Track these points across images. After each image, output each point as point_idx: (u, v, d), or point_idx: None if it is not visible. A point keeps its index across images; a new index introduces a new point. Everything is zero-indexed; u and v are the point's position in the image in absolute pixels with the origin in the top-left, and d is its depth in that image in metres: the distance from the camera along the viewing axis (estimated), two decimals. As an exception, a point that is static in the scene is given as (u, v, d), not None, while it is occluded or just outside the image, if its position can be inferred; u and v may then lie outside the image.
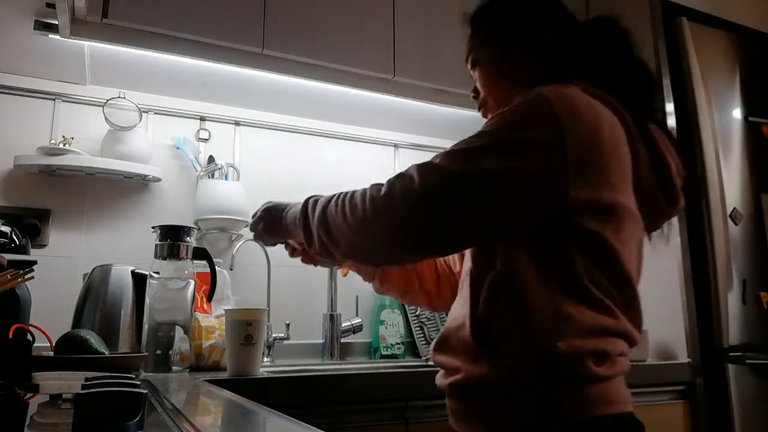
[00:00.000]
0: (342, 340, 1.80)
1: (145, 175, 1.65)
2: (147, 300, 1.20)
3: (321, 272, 1.81)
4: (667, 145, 0.86)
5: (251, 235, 1.69)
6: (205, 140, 1.81)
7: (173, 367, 1.17)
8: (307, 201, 0.91)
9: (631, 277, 0.79)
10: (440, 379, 0.89)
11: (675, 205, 0.86)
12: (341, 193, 0.85)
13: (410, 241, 0.78)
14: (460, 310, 0.85)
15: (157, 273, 1.21)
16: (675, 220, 1.65)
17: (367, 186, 0.82)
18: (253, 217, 1.05)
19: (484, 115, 0.98)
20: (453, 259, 1.10)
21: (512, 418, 0.76)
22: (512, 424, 0.76)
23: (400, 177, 0.78)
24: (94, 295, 1.31)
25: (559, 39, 0.91)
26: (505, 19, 0.95)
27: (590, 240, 0.76)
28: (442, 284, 1.11)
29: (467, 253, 0.88)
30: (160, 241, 1.24)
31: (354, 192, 0.83)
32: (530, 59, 0.91)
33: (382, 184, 0.80)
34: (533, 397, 0.74)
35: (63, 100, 1.64)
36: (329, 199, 0.86)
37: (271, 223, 1.01)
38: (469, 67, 0.99)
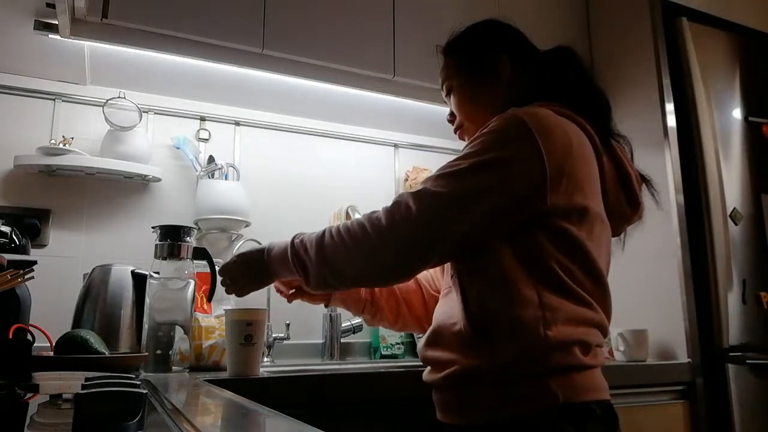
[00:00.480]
0: (342, 340, 1.80)
1: (145, 175, 1.65)
2: (147, 300, 1.20)
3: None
4: (627, 157, 0.98)
5: (251, 234, 1.72)
6: (205, 140, 1.81)
7: (173, 367, 1.17)
8: (293, 242, 0.96)
9: (602, 273, 0.89)
10: (429, 375, 0.94)
11: (637, 210, 0.98)
12: (329, 228, 0.92)
13: (419, 259, 0.86)
14: (450, 309, 0.91)
15: (157, 273, 1.21)
16: (675, 226, 1.65)
17: (354, 215, 0.89)
18: (223, 268, 1.08)
19: (461, 137, 1.08)
20: (437, 277, 1.18)
21: (507, 404, 0.82)
22: (507, 409, 0.82)
23: (398, 206, 0.85)
24: (94, 295, 1.31)
25: (524, 67, 1.01)
26: (475, 51, 1.04)
27: (566, 238, 0.85)
28: (430, 306, 1.16)
29: None
30: (160, 241, 1.24)
31: (346, 226, 0.89)
32: (499, 86, 1.01)
33: (378, 214, 0.87)
34: (528, 383, 0.81)
35: (63, 100, 1.64)
36: (321, 236, 0.92)
37: (249, 269, 1.04)
38: (444, 94, 1.08)
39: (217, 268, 1.34)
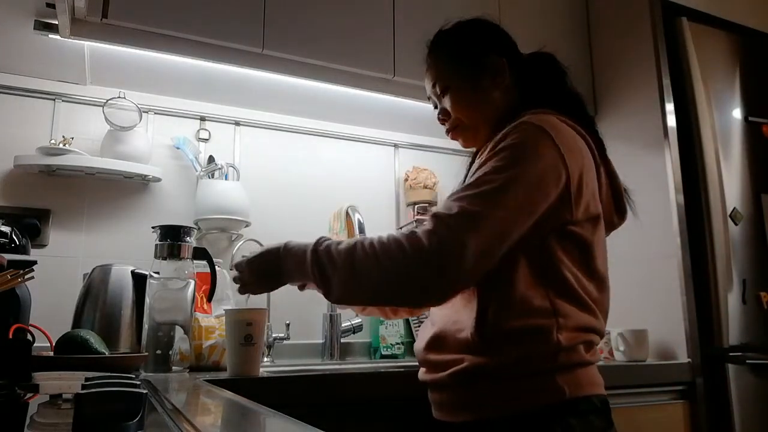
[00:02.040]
0: (342, 340, 1.80)
1: (145, 175, 1.65)
2: (147, 300, 1.20)
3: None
4: (613, 166, 1.00)
5: (251, 234, 1.72)
6: (205, 140, 1.81)
7: (173, 367, 1.17)
8: (316, 248, 0.90)
9: (606, 279, 0.93)
10: (427, 375, 0.94)
11: (623, 218, 1.02)
12: (361, 240, 0.86)
13: (457, 279, 0.81)
14: (456, 314, 0.91)
15: (157, 273, 1.21)
16: (675, 226, 1.65)
17: (388, 232, 0.86)
18: (238, 265, 1.02)
19: (454, 138, 1.06)
20: None
21: (516, 399, 0.84)
22: (515, 404, 0.84)
23: (438, 224, 0.81)
24: (94, 295, 1.31)
25: (516, 70, 1.02)
26: (474, 52, 1.03)
27: (578, 246, 0.88)
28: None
29: None
30: (160, 241, 1.24)
31: (380, 241, 0.84)
32: (499, 88, 1.00)
33: (415, 233, 0.82)
34: (536, 379, 0.84)
35: (63, 100, 1.64)
36: (353, 246, 0.86)
37: (265, 268, 0.98)
38: (438, 92, 1.05)
39: (217, 269, 1.34)
